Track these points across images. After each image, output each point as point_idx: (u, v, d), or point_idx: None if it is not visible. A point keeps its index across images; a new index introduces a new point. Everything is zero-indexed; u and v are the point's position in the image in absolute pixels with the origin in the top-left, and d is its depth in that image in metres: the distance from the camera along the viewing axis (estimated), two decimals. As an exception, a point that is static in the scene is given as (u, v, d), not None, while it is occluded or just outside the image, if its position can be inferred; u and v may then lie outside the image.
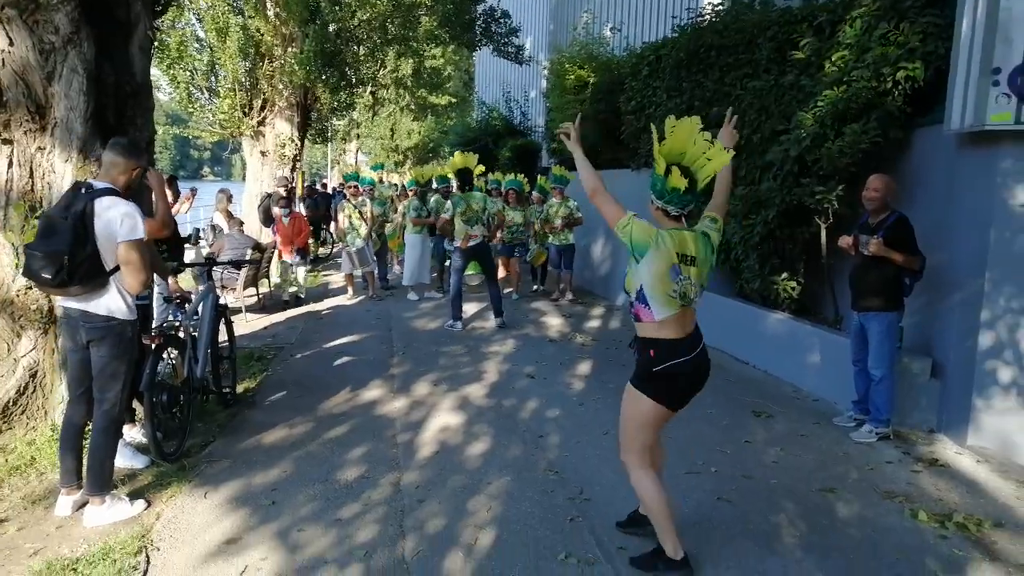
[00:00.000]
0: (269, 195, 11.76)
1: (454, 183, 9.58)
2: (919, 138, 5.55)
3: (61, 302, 3.68)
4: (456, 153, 9.17)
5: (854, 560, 3.39)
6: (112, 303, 3.58)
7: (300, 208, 13.56)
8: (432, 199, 10.68)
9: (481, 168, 10.59)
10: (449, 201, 8.84)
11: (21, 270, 4.03)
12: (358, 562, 3.33)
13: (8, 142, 4.37)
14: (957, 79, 4.74)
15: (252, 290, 9.95)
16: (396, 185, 14.30)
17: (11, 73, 4.27)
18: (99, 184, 3.60)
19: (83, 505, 3.70)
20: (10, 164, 4.40)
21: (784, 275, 6.58)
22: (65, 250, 3.36)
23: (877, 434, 4.89)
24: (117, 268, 3.54)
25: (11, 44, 4.23)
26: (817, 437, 5.00)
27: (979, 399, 4.79)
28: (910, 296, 4.95)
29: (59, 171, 4.45)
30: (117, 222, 3.46)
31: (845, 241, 5.02)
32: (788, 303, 6.65)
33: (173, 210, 7.45)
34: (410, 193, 11.15)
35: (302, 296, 10.28)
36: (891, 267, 4.77)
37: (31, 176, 4.45)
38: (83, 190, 3.54)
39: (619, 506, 3.76)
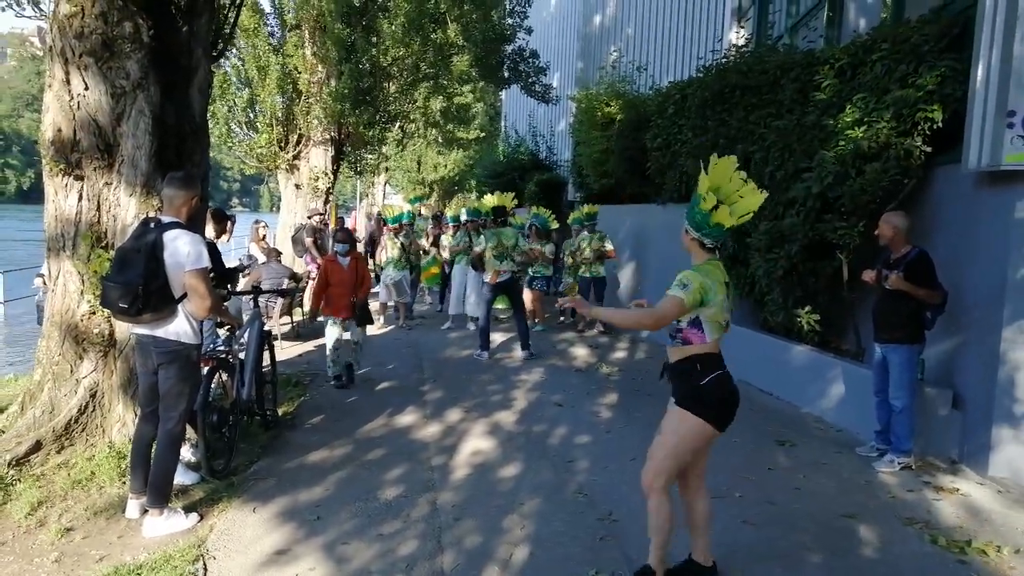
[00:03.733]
0: (313, 228, 12.11)
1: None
2: (938, 176, 5.73)
3: (133, 329, 3.98)
4: (496, 194, 9.56)
5: (874, 582, 3.53)
6: (180, 328, 3.87)
7: (329, 243, 13.64)
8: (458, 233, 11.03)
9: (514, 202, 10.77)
10: (482, 235, 9.12)
11: (99, 301, 4.34)
12: (400, 574, 3.53)
13: (79, 178, 4.72)
14: (974, 121, 4.94)
15: (286, 318, 10.27)
16: (427, 219, 14.64)
17: (85, 115, 4.63)
18: (166, 218, 3.91)
19: (147, 511, 3.95)
20: (80, 198, 4.75)
21: (807, 308, 6.73)
22: (139, 281, 3.66)
23: (899, 464, 5.01)
24: (184, 296, 3.83)
25: (86, 88, 4.60)
26: (839, 466, 5.13)
27: (999, 431, 4.90)
28: (932, 329, 5.10)
29: (124, 205, 4.78)
30: (184, 252, 3.76)
31: (869, 275, 5.21)
32: (811, 335, 6.79)
33: (220, 242, 7.79)
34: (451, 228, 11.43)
35: (355, 370, 7.48)
36: (912, 301, 4.93)
37: (98, 209, 4.79)
38: (152, 224, 3.86)
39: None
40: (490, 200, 9.44)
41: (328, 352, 7.27)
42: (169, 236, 3.78)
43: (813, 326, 6.71)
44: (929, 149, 5.64)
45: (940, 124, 5.51)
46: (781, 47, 8.27)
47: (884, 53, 5.89)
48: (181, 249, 3.76)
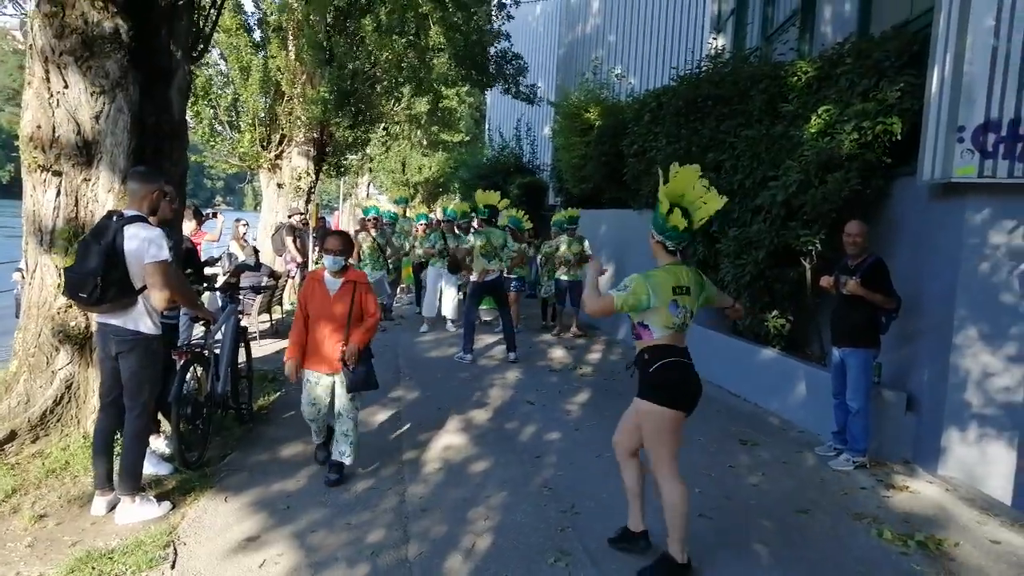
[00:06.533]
0: (292, 228, 12.18)
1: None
2: (896, 187, 5.93)
3: (96, 317, 4.12)
4: (477, 192, 9.60)
5: (820, 571, 3.70)
6: (140, 319, 4.00)
7: (310, 243, 13.47)
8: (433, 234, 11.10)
9: (506, 202, 10.74)
10: (471, 235, 9.18)
11: (62, 290, 4.44)
12: (365, 561, 3.66)
13: (58, 173, 4.81)
14: (928, 134, 5.15)
15: (265, 316, 10.33)
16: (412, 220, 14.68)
17: (64, 112, 4.72)
18: (128, 212, 4.02)
19: (115, 506, 4.05)
20: (58, 193, 4.83)
21: (774, 313, 6.92)
22: (98, 271, 3.78)
23: (854, 463, 5.20)
24: (144, 288, 3.94)
25: (66, 86, 4.69)
26: (797, 465, 5.31)
27: (949, 432, 5.10)
28: (887, 334, 5.30)
29: (101, 200, 4.88)
30: (144, 246, 3.87)
31: (827, 281, 5.41)
32: (778, 340, 6.98)
33: (209, 238, 7.89)
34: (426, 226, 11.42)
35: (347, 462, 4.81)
36: (868, 306, 5.13)
37: (76, 205, 4.88)
38: (114, 218, 3.97)
39: (608, 521, 4.07)
40: (482, 197, 9.31)
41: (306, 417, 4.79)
42: (130, 231, 3.89)
43: (780, 331, 6.91)
44: (889, 160, 5.84)
45: (899, 137, 5.71)
46: (755, 58, 8.47)
47: (848, 67, 6.10)
48: (142, 243, 3.87)
